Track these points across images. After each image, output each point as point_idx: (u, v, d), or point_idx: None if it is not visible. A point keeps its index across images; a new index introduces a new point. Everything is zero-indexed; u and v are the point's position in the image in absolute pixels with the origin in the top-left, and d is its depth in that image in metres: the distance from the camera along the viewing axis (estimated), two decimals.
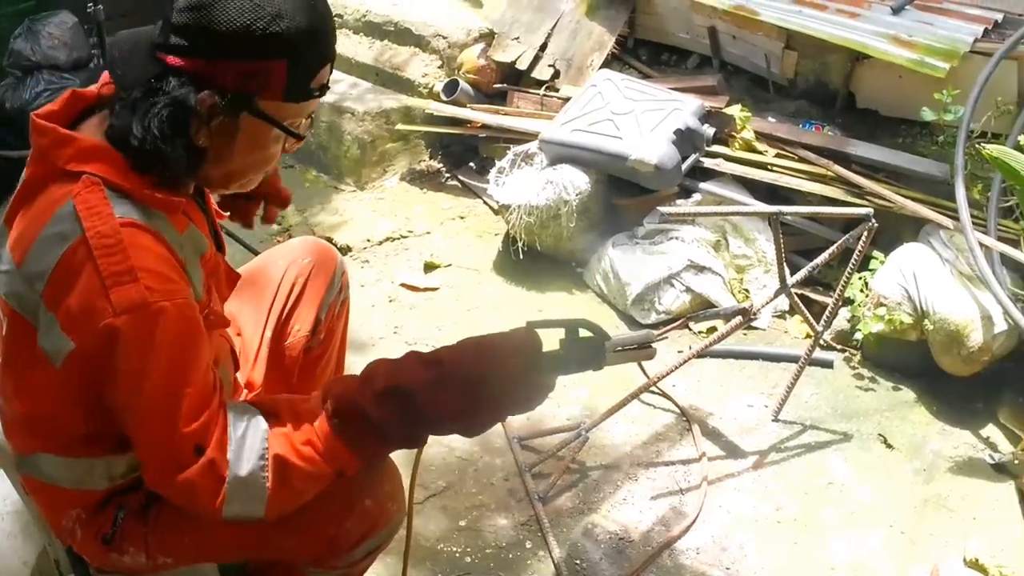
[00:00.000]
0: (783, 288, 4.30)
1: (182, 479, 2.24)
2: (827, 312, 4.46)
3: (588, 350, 2.50)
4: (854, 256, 4.23)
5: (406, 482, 2.69)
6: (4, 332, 2.33)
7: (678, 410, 4.72)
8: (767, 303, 4.32)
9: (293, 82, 2.28)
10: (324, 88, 2.43)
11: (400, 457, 2.62)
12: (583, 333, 2.53)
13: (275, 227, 5.88)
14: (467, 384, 2.37)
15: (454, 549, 3.92)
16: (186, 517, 2.48)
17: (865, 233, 4.13)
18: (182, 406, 2.19)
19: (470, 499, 4.18)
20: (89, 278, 2.11)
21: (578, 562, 3.89)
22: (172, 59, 2.25)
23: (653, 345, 2.64)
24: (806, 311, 4.45)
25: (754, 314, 3.94)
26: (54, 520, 2.60)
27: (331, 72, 2.47)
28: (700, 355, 4.37)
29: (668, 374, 4.33)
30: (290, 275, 3.19)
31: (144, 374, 2.19)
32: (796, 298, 4.40)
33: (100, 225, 2.14)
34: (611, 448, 4.50)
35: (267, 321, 3.14)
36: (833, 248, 4.37)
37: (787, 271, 4.28)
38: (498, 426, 3.17)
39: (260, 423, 2.33)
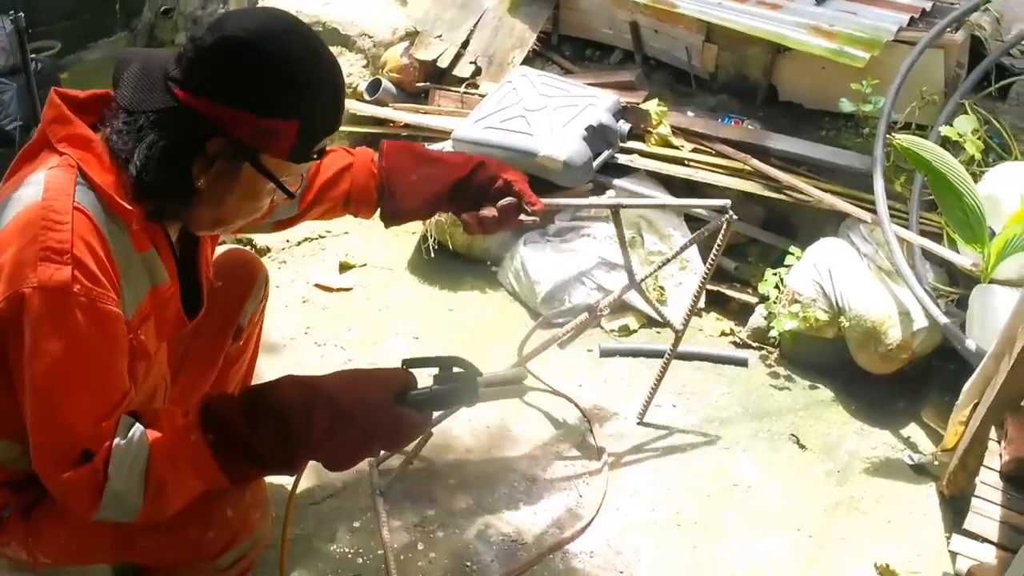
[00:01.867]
0: (631, 283, 4.18)
1: (64, 478, 2.25)
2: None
3: (460, 388, 2.53)
4: (712, 251, 4.09)
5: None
6: None
7: (579, 411, 4.62)
8: (615, 298, 4.20)
9: (300, 144, 2.34)
10: (323, 152, 2.45)
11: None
12: (457, 370, 2.59)
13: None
14: (337, 409, 2.38)
15: (346, 550, 3.82)
16: (62, 521, 2.51)
17: (724, 226, 3.95)
18: (79, 403, 2.24)
19: (365, 500, 4.06)
20: (26, 242, 2.15)
21: (468, 564, 3.78)
22: (189, 97, 2.27)
23: (525, 382, 2.63)
24: (656, 306, 4.31)
25: (600, 311, 3.82)
26: None
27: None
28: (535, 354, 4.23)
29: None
30: (216, 282, 3.16)
31: (44, 357, 2.19)
32: (646, 294, 4.26)
33: (57, 201, 2.20)
34: (509, 448, 4.39)
35: None
36: (688, 242, 4.34)
37: (633, 265, 4.15)
38: None
39: (145, 443, 2.31)
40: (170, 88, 2.29)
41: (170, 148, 2.26)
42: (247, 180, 2.36)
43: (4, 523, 2.58)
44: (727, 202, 4.04)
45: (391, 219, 3.25)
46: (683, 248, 4.29)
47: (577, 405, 4.63)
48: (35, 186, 2.22)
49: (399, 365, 2.60)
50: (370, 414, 2.38)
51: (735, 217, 3.99)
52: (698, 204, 4.67)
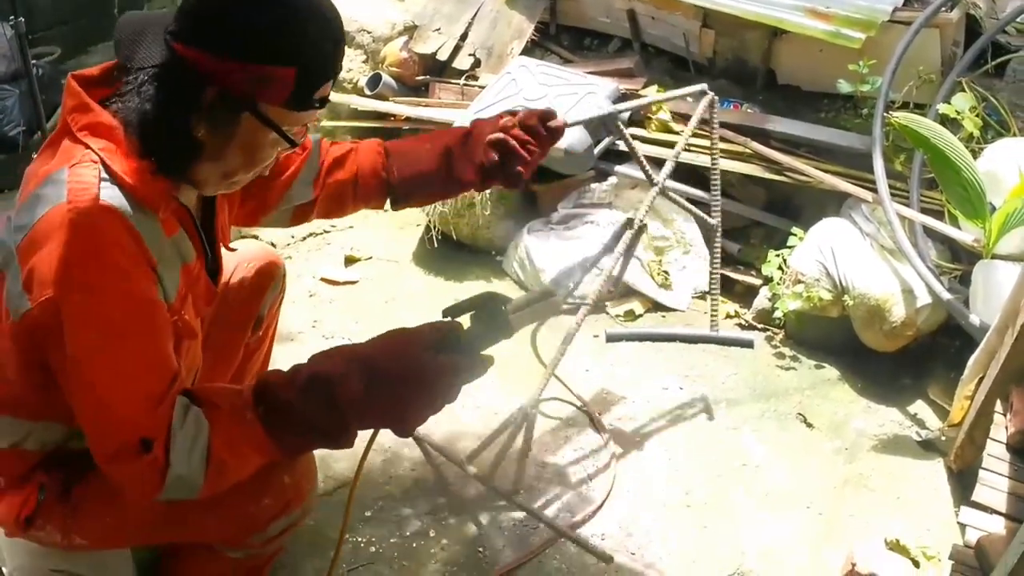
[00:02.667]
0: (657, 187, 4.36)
1: (126, 469, 2.26)
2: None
3: (491, 323, 2.48)
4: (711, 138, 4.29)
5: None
6: None
7: (578, 401, 4.65)
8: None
9: (298, 91, 2.30)
10: (325, 101, 2.41)
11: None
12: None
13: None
14: (374, 368, 2.35)
15: (359, 539, 3.83)
16: (106, 499, 2.53)
17: (710, 106, 4.22)
18: (130, 394, 2.23)
19: (377, 489, 4.08)
20: (55, 247, 2.15)
21: (481, 550, 3.80)
22: (184, 48, 2.27)
23: (554, 298, 2.59)
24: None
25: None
26: None
27: (332, 87, 2.46)
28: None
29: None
30: (237, 276, 3.27)
31: (89, 355, 2.21)
32: (671, 194, 4.38)
33: (82, 201, 2.18)
34: (519, 434, 4.35)
35: None
36: (668, 98, 4.33)
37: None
38: None
39: (204, 425, 2.31)
40: (168, 42, 2.30)
41: (165, 101, 2.26)
42: (248, 130, 2.34)
43: (41, 505, 2.60)
44: (703, 86, 4.28)
45: (400, 197, 3.24)
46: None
47: (572, 392, 4.69)
48: (59, 185, 2.22)
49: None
50: (408, 366, 2.33)
51: (715, 97, 4.22)
52: (678, 95, 4.64)
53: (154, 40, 2.32)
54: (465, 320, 2.52)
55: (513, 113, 3.13)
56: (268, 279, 3.40)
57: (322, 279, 5.47)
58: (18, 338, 2.30)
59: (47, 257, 2.16)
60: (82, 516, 2.61)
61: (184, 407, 2.32)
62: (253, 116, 2.30)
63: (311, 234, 5.94)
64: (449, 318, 2.49)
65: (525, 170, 3.05)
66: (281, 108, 2.31)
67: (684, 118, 5.54)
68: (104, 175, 2.25)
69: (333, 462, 4.18)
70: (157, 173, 2.35)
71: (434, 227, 5.57)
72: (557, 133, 3.10)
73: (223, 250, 2.91)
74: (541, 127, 3.06)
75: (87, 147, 2.27)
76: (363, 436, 2.49)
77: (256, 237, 5.76)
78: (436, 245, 5.59)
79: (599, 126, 5.38)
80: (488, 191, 5.40)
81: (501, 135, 3.03)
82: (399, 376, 2.31)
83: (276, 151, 2.46)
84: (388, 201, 3.26)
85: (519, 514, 3.96)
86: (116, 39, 2.39)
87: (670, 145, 5.40)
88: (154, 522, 2.63)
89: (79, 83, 2.38)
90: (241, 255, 3.32)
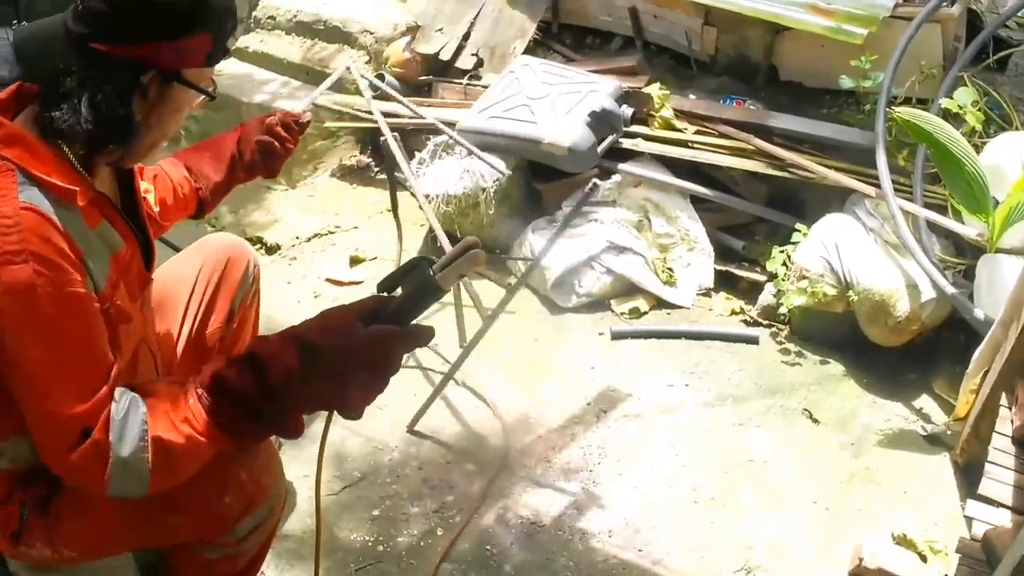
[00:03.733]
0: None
1: (70, 460, 2.27)
2: None
3: (419, 286, 2.34)
4: None
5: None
6: None
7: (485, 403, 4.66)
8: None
9: (214, 50, 2.48)
10: (228, 51, 2.63)
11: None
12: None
13: (208, 228, 5.79)
14: (305, 343, 2.29)
15: (367, 538, 3.86)
16: (80, 507, 2.58)
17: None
18: (68, 388, 2.25)
19: (384, 489, 4.11)
20: None
21: (488, 548, 3.82)
22: (110, 48, 2.34)
23: (476, 250, 2.54)
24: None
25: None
26: None
27: None
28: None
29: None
30: (206, 270, 3.32)
31: (26, 354, 2.23)
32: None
33: (2, 206, 2.20)
34: (524, 432, 4.43)
35: (186, 313, 3.32)
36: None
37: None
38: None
39: (139, 405, 2.33)
40: (84, 46, 2.35)
41: (110, 96, 2.33)
42: (177, 98, 2.47)
43: (25, 524, 2.63)
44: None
45: (205, 210, 3.42)
46: None
47: (481, 397, 4.70)
48: None
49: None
50: (342, 338, 2.23)
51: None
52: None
53: (66, 50, 2.36)
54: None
55: (273, 113, 3.45)
56: (238, 270, 3.44)
57: (327, 280, 5.48)
58: None
59: None
60: (63, 528, 2.64)
61: (122, 394, 2.34)
62: (181, 84, 2.44)
63: (316, 235, 5.96)
64: (384, 293, 2.41)
65: (279, 165, 3.43)
66: (200, 69, 2.49)
67: (687, 115, 5.57)
68: (21, 179, 2.27)
69: (340, 462, 4.21)
70: (118, 161, 2.51)
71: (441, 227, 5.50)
72: (305, 125, 3.48)
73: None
74: (294, 124, 3.42)
75: (1, 158, 2.29)
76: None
77: (261, 239, 5.81)
78: (438, 251, 5.55)
79: (603, 124, 5.39)
80: (492, 191, 5.38)
81: (267, 137, 3.36)
82: (334, 348, 2.25)
83: (192, 106, 2.59)
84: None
85: (526, 512, 3.99)
86: (22, 58, 2.44)
87: (674, 143, 5.43)
88: (129, 526, 2.66)
89: None
90: (211, 246, 3.41)
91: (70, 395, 2.25)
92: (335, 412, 2.34)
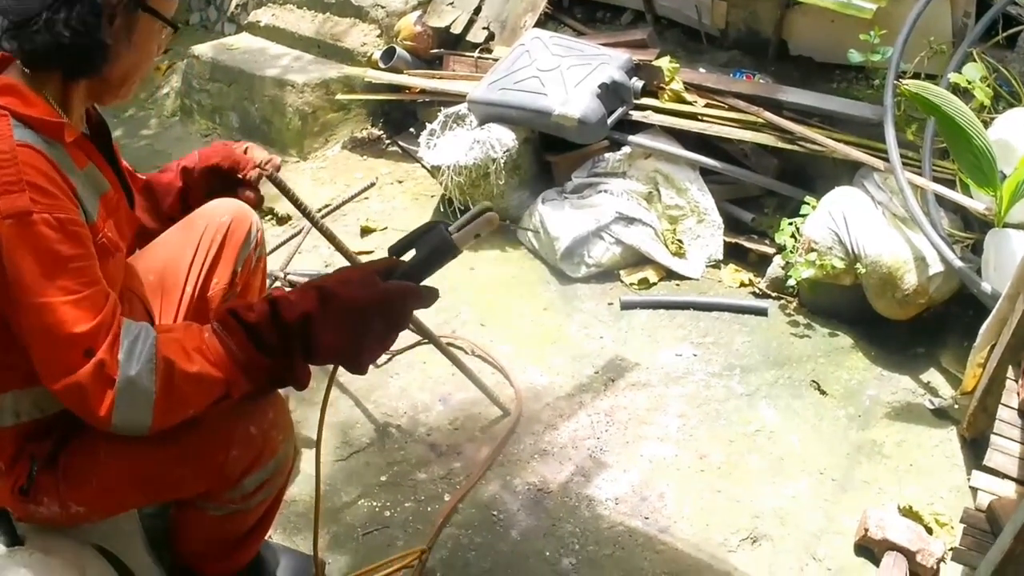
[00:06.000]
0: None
1: (72, 381, 2.29)
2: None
3: (435, 245, 2.56)
4: None
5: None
6: None
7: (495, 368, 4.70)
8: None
9: None
10: None
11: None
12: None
13: None
14: (323, 291, 2.44)
15: (374, 504, 3.89)
16: (87, 459, 2.62)
17: None
18: (70, 308, 2.30)
19: (392, 455, 4.15)
20: None
21: (495, 513, 3.85)
22: None
23: (490, 213, 2.62)
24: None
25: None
26: None
27: None
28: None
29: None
30: (209, 233, 3.34)
31: (27, 279, 2.27)
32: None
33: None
34: (533, 400, 4.45)
35: (188, 275, 3.34)
36: None
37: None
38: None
39: (151, 331, 2.39)
40: None
41: (81, 15, 2.38)
42: (142, 27, 2.51)
43: (35, 481, 2.66)
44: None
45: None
46: None
47: (495, 364, 4.74)
48: None
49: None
50: (359, 291, 2.43)
51: None
52: None
53: None
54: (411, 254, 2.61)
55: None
56: (241, 232, 3.45)
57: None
58: None
59: None
60: (71, 481, 2.67)
61: (133, 323, 2.41)
62: (146, 12, 2.49)
63: (326, 205, 5.99)
64: (395, 255, 2.59)
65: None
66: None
67: (697, 88, 5.57)
68: (14, 122, 2.34)
69: (348, 428, 4.26)
70: (59, 111, 2.49)
71: (454, 198, 5.59)
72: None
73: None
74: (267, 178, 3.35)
75: None
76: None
77: (272, 210, 5.88)
78: (454, 216, 5.59)
79: (613, 96, 5.41)
80: (502, 161, 5.44)
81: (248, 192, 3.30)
82: (353, 299, 2.41)
83: (157, 45, 2.62)
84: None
85: (533, 478, 4.01)
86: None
87: (684, 115, 5.45)
88: (135, 479, 2.68)
89: None
90: (214, 210, 3.40)
91: (72, 315, 2.29)
92: (342, 365, 2.49)
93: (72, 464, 2.65)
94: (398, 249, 2.59)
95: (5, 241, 2.25)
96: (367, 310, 2.43)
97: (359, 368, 2.50)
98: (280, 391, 2.75)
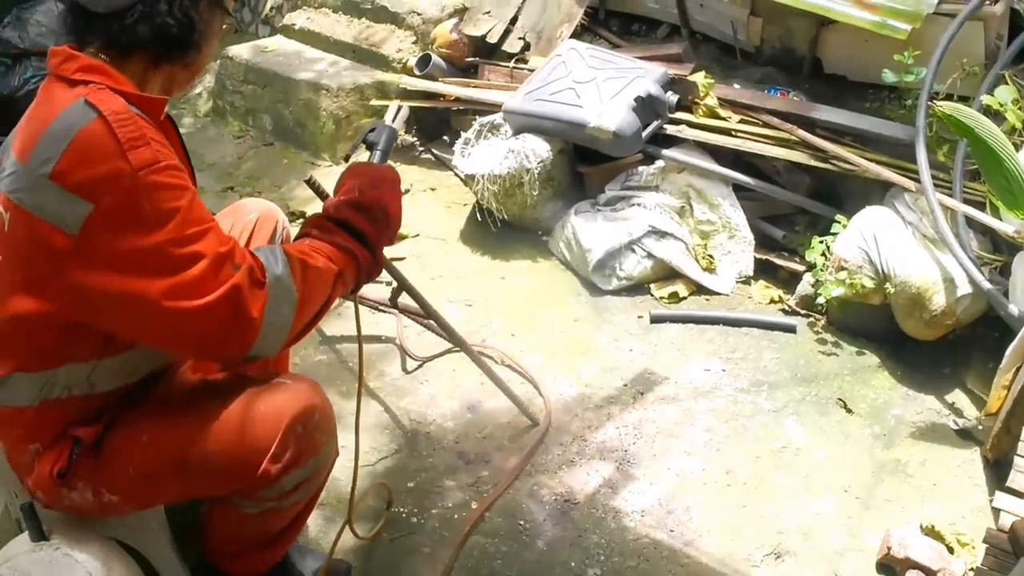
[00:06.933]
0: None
1: (231, 286, 2.41)
2: None
3: (388, 133, 3.28)
4: None
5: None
6: (6, 230, 2.50)
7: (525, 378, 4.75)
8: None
9: None
10: None
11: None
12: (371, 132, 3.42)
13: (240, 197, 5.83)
14: (363, 184, 2.87)
15: (401, 510, 3.92)
16: (133, 443, 2.70)
17: None
18: (212, 234, 2.45)
19: (420, 461, 4.18)
20: (107, 145, 2.35)
21: (522, 523, 3.87)
22: None
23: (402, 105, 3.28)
24: None
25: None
26: (15, 457, 2.74)
27: None
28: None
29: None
30: (235, 230, 3.36)
31: (170, 214, 2.39)
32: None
33: (114, 107, 2.40)
34: (561, 411, 4.48)
35: None
36: None
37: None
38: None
39: (274, 246, 2.64)
40: None
41: (185, 9, 2.55)
42: (215, 22, 2.68)
43: (74, 464, 2.69)
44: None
45: None
46: None
47: (525, 375, 4.77)
48: (80, 110, 2.39)
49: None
50: (371, 171, 2.94)
51: None
52: None
53: None
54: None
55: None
56: (267, 229, 3.50)
57: None
58: (76, 253, 2.40)
59: (102, 159, 2.35)
60: (109, 468, 2.71)
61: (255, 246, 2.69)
62: (221, 9, 2.69)
63: None
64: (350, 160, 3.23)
65: None
66: None
67: (731, 104, 5.60)
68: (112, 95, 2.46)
69: (377, 434, 4.32)
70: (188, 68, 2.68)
71: (486, 207, 5.64)
72: None
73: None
74: None
75: (87, 83, 2.46)
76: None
77: (304, 213, 5.90)
78: (487, 225, 5.67)
79: (648, 110, 5.43)
80: (536, 172, 5.48)
81: None
82: (372, 177, 2.91)
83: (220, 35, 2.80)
84: None
85: (560, 488, 4.04)
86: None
87: (718, 131, 5.49)
88: (175, 466, 2.72)
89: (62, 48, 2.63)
90: (242, 208, 3.49)
91: (215, 238, 2.44)
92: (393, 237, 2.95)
93: (114, 447, 2.71)
94: (349, 155, 3.49)
95: (145, 190, 2.35)
96: (384, 180, 2.92)
97: (392, 234, 2.95)
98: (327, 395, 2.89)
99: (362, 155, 3.18)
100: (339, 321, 5.04)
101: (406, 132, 6.88)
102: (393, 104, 3.05)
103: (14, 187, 2.44)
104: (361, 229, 2.77)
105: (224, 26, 2.74)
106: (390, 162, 3.20)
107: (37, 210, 2.39)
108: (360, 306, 3.13)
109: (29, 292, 2.49)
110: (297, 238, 2.78)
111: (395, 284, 3.78)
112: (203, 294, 2.41)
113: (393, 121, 3.05)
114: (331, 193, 3.16)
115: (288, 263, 2.53)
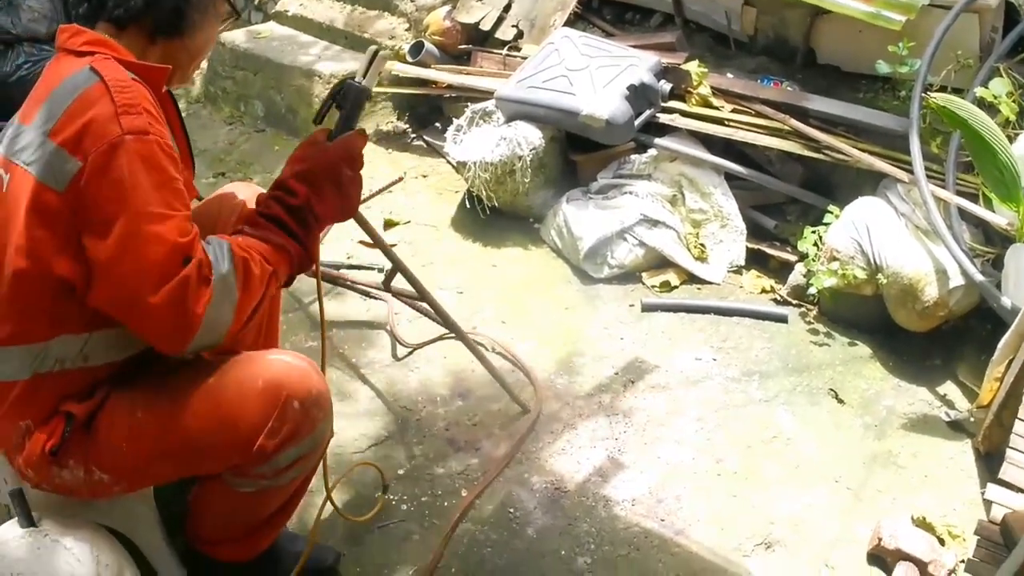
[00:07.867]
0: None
1: (180, 278, 2.43)
2: None
3: (352, 97, 3.00)
4: None
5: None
6: (4, 190, 2.61)
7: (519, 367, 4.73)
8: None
9: None
10: None
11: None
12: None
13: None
14: (310, 171, 2.83)
15: (391, 497, 3.91)
16: (127, 419, 2.71)
17: None
18: (175, 222, 2.48)
19: (410, 449, 4.17)
20: (104, 106, 2.45)
21: (512, 510, 3.86)
22: None
23: (383, 49, 3.18)
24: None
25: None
26: (3, 434, 2.74)
27: None
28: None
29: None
30: (224, 214, 3.37)
31: (142, 187, 2.44)
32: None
33: (116, 74, 2.51)
34: (553, 399, 4.47)
35: None
36: None
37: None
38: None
39: (222, 240, 2.62)
40: None
41: None
42: (214, 10, 2.80)
43: (66, 441, 2.67)
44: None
45: None
46: None
47: (518, 364, 4.75)
48: (84, 74, 2.51)
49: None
50: (320, 155, 2.86)
51: None
52: None
53: None
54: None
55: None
56: None
57: (360, 242, 5.45)
58: (61, 214, 2.47)
59: (97, 118, 2.44)
60: (101, 445, 2.71)
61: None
62: None
63: None
64: (321, 121, 3.09)
65: None
66: None
67: (725, 93, 5.59)
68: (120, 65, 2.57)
69: (368, 420, 4.31)
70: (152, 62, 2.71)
71: (478, 195, 5.63)
72: None
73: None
74: None
75: (93, 54, 2.57)
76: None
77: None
78: (478, 212, 5.66)
79: (641, 98, 5.43)
80: (528, 159, 5.46)
81: None
82: (319, 163, 2.84)
83: (221, 25, 2.92)
84: None
85: (551, 476, 4.03)
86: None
87: (711, 120, 5.48)
88: (170, 442, 2.72)
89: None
90: (230, 192, 3.49)
91: (176, 227, 2.46)
92: (340, 219, 2.91)
93: (107, 424, 2.71)
94: (322, 116, 3.12)
95: (126, 153, 2.42)
96: (336, 165, 2.84)
97: (351, 211, 2.92)
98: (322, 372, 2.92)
99: (334, 117, 3.11)
100: (331, 306, 5.03)
101: (395, 115, 6.85)
102: (368, 50, 2.95)
103: (15, 148, 2.55)
104: (292, 228, 2.77)
105: (224, 8, 2.84)
106: (361, 125, 3.10)
107: (32, 167, 2.48)
108: (351, 292, 3.12)
109: (24, 252, 2.53)
110: (245, 223, 2.80)
111: (388, 268, 3.74)
112: (145, 283, 2.44)
113: (365, 74, 3.06)
114: None
115: (233, 260, 2.55)
